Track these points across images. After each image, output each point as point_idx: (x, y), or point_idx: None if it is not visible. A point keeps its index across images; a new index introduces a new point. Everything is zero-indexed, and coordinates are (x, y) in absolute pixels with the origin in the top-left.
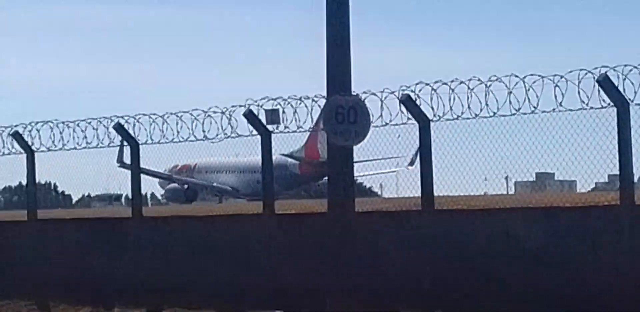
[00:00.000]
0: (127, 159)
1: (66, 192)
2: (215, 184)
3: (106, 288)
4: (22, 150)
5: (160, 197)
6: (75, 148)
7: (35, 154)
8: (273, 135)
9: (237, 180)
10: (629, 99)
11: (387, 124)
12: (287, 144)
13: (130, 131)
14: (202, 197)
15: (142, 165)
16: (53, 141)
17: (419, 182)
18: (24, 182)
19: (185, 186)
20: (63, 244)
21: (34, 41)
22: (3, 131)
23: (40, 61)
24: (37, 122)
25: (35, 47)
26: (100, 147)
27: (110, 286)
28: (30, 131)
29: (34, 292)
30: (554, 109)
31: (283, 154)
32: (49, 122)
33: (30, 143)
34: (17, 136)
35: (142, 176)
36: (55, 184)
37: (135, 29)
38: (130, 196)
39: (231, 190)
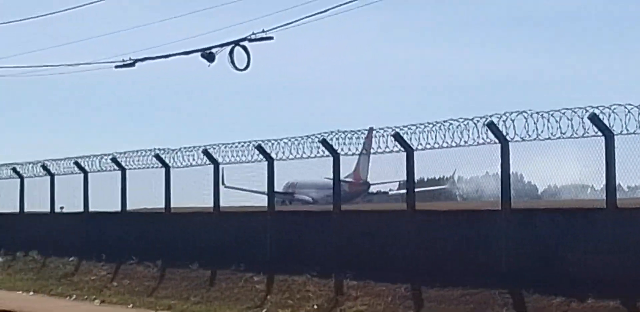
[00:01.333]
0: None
1: (532, 183)
2: (304, 197)
3: (580, 279)
4: (497, 140)
5: None
6: (549, 138)
7: (510, 144)
8: None
9: (317, 195)
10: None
11: None
12: None
13: (605, 122)
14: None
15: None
16: (527, 131)
17: None
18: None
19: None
20: (536, 233)
21: (491, 32)
22: (478, 121)
23: (501, 52)
24: (511, 113)
25: (493, 38)
26: (574, 137)
27: (582, 277)
28: (504, 121)
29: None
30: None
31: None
32: (523, 112)
33: (504, 133)
34: (491, 126)
35: None
36: (521, 175)
37: (588, 19)
38: None
39: (312, 201)
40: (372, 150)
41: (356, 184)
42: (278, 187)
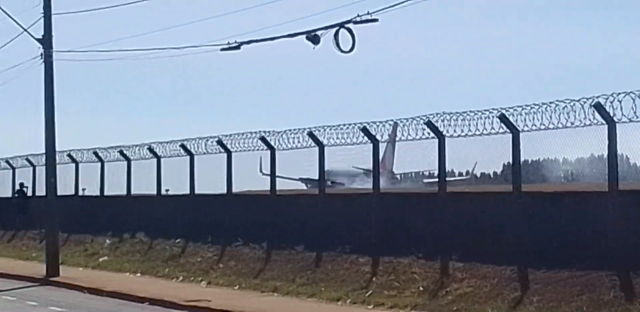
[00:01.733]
0: None
1: (638, 164)
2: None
3: None
4: (603, 121)
5: None
6: None
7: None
8: None
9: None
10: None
11: None
12: None
13: None
14: None
15: None
16: (635, 112)
17: None
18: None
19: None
20: None
21: (597, 12)
22: (585, 102)
23: (608, 32)
24: (618, 93)
25: (599, 18)
26: None
27: None
28: (611, 102)
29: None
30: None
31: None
32: (631, 93)
33: (611, 114)
34: (598, 107)
35: None
36: (627, 156)
37: None
38: None
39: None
40: (477, 132)
41: (383, 174)
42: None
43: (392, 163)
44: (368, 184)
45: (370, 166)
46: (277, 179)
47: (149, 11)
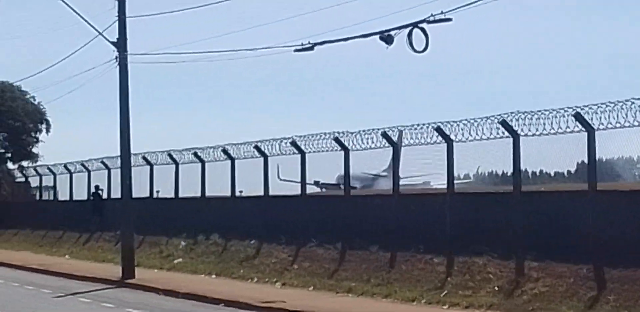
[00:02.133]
0: None
1: None
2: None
3: None
4: None
5: None
6: None
7: None
8: None
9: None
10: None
11: None
12: None
13: None
14: None
15: None
16: None
17: None
18: None
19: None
20: None
21: None
22: None
23: None
24: None
25: None
26: None
27: None
28: None
29: None
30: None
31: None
32: None
33: None
34: None
35: None
36: None
37: None
38: None
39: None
40: (552, 131)
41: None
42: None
43: (398, 168)
44: (376, 187)
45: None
46: (291, 183)
47: (222, 13)
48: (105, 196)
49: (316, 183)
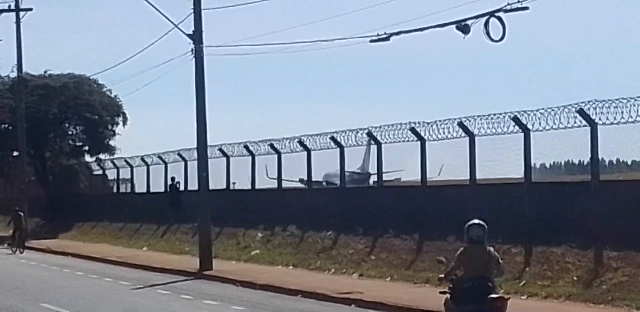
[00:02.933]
0: None
1: None
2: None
3: None
4: None
5: None
6: None
7: None
8: None
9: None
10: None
11: None
12: None
13: None
14: None
15: None
16: None
17: None
18: None
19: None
20: None
21: None
22: None
23: None
24: None
25: None
26: None
27: None
28: None
29: None
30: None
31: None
32: None
33: None
34: None
35: None
36: None
37: None
38: None
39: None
40: (630, 119)
41: (361, 175)
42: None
43: (368, 165)
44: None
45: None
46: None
47: (298, 4)
48: (182, 188)
49: (301, 181)
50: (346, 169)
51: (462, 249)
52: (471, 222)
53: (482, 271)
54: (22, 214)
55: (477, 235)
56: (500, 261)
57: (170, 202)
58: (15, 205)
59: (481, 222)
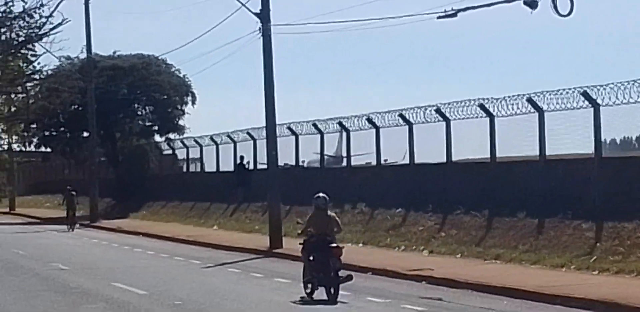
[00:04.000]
0: None
1: None
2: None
3: None
4: None
5: None
6: None
7: None
8: None
9: None
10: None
11: None
12: None
13: None
14: None
15: None
16: None
17: None
18: None
19: None
20: None
21: None
22: None
23: None
24: None
25: None
26: None
27: None
28: None
29: None
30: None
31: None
32: None
33: None
34: None
35: None
36: None
37: None
38: None
39: None
40: None
41: (336, 158)
42: None
43: (341, 149)
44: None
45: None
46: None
47: None
48: (251, 166)
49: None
50: (315, 152)
51: (311, 213)
52: (317, 195)
53: (324, 229)
54: (74, 193)
55: (321, 203)
56: (338, 220)
57: (239, 181)
58: (69, 185)
59: (324, 195)
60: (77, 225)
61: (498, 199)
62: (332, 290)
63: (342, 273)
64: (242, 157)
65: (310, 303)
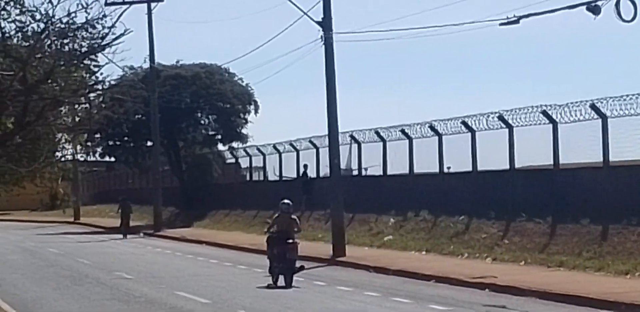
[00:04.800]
0: None
1: None
2: None
3: None
4: None
5: None
6: None
7: None
8: None
9: None
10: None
11: None
12: None
13: None
14: None
15: None
16: None
17: None
18: None
19: None
20: None
21: None
22: None
23: None
24: None
25: None
26: None
27: None
28: None
29: None
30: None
31: None
32: None
33: None
34: None
35: None
36: None
37: None
38: None
39: None
40: None
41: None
42: None
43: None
44: None
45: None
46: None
47: None
48: (313, 175)
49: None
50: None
51: (276, 215)
52: (282, 200)
53: (286, 228)
54: (128, 202)
55: (285, 208)
56: (298, 222)
57: (302, 190)
58: (124, 194)
59: (288, 201)
60: (141, 234)
61: (561, 206)
62: (286, 278)
63: (298, 264)
64: (305, 166)
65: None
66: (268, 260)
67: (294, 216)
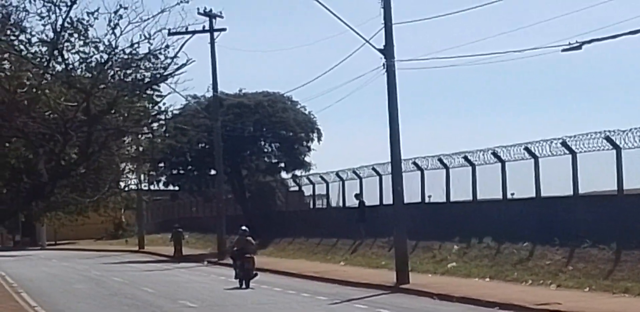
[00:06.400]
0: None
1: None
2: None
3: None
4: None
5: None
6: None
7: None
8: None
9: None
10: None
11: None
12: None
13: None
14: None
15: None
16: None
17: None
18: None
19: None
20: None
21: None
22: None
23: None
24: None
25: None
26: None
27: None
28: None
29: None
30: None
31: None
32: None
33: None
34: None
35: None
36: None
37: None
38: None
39: None
40: None
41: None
42: None
43: None
44: None
45: None
46: None
47: (486, 16)
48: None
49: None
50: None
51: (236, 238)
52: (241, 227)
53: (244, 247)
54: (181, 230)
55: (242, 233)
56: (253, 243)
57: (358, 218)
58: (177, 223)
59: (245, 228)
60: (205, 262)
61: (626, 232)
62: (245, 282)
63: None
64: (356, 195)
65: None
66: (234, 270)
67: (249, 238)
